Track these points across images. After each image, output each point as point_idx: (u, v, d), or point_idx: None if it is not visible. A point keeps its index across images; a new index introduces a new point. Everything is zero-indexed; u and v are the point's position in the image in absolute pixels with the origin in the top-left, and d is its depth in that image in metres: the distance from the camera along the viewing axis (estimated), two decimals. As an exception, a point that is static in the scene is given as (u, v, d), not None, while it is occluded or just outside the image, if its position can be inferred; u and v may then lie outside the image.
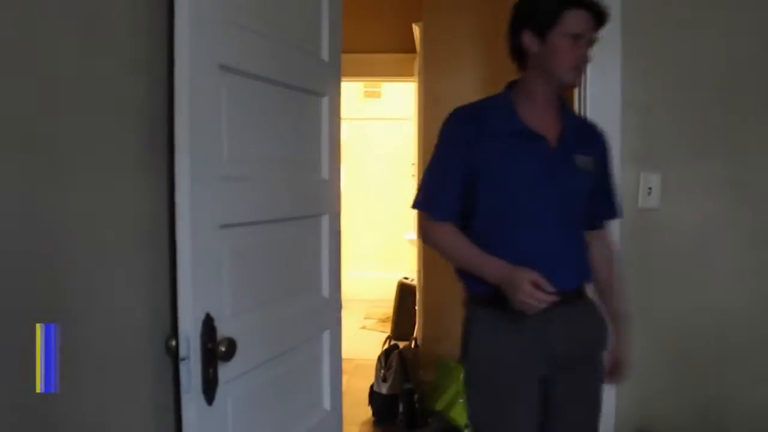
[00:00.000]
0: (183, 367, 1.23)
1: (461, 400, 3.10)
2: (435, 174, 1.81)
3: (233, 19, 1.35)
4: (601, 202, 1.86)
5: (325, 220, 1.81)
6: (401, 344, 4.00)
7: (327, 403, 1.85)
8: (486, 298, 1.70)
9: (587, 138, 1.82)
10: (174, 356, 1.25)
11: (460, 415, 3.06)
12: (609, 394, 2.00)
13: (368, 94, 6.92)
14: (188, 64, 1.21)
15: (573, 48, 1.66)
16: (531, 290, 1.56)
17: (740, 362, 2.17)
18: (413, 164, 4.92)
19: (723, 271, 2.17)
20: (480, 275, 1.70)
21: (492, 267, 1.67)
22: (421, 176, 1.86)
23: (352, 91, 6.60)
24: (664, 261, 2.19)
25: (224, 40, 1.33)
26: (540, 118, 1.73)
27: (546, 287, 1.56)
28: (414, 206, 1.83)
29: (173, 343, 1.24)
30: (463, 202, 1.75)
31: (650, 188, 2.15)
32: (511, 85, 1.83)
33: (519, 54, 1.77)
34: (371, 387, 3.74)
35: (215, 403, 1.28)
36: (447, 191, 1.76)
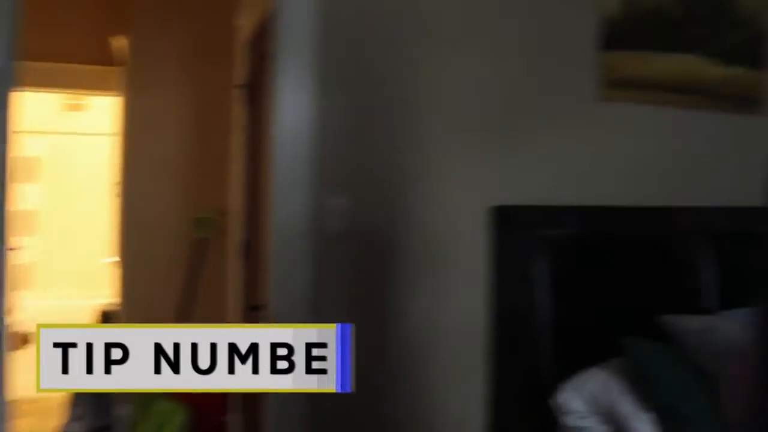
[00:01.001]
0: None
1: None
2: None
3: None
4: None
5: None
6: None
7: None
8: None
9: None
10: None
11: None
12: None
13: (69, 107, 6.39)
14: None
15: None
16: None
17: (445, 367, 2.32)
18: (117, 183, 4.64)
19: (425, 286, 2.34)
20: None
21: None
22: None
23: (50, 102, 6.05)
24: (361, 283, 2.29)
25: None
26: None
27: None
28: None
29: None
30: None
31: (342, 211, 2.24)
32: None
33: None
34: (63, 427, 3.41)
35: None
36: None
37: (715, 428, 1.76)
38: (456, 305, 2.32)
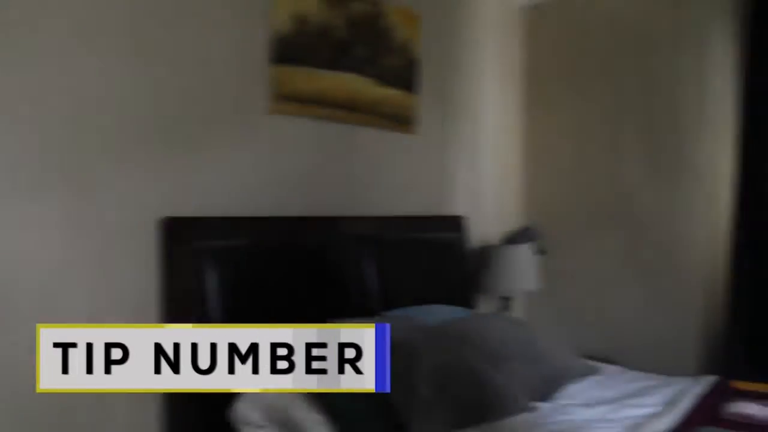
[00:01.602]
0: None
1: None
2: None
3: None
4: None
5: None
6: None
7: None
8: None
9: None
10: None
11: None
12: None
13: None
14: None
15: None
16: None
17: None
18: None
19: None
20: None
21: None
22: None
23: None
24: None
25: None
26: None
27: None
28: None
29: None
30: None
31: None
32: None
33: None
34: None
35: None
36: None
37: (382, 426, 1.89)
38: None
